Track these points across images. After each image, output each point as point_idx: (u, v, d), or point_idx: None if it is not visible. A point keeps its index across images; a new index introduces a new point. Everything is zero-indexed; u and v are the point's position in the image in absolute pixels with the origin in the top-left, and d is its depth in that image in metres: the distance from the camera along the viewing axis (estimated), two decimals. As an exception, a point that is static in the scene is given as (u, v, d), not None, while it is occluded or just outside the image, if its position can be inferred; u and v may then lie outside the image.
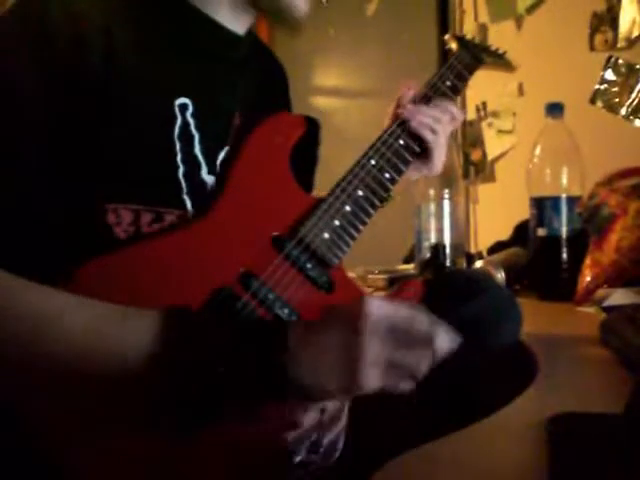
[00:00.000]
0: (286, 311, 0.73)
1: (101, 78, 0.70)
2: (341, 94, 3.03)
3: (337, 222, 0.82)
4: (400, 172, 0.90)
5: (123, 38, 0.72)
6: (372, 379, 0.59)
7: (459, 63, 1.06)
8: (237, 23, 0.84)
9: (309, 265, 0.78)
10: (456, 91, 1.03)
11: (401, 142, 0.92)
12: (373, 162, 0.87)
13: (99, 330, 0.60)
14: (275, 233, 0.78)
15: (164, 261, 0.72)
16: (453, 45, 1.12)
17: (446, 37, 1.17)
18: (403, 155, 0.91)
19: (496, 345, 0.82)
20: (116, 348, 0.60)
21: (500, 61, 1.21)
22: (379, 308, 0.60)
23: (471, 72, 1.08)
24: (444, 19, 2.51)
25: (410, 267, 1.61)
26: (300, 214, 0.81)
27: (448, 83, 1.03)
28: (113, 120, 0.71)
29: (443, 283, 1.00)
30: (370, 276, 1.57)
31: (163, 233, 0.75)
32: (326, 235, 0.80)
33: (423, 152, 0.96)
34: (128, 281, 0.70)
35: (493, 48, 1.20)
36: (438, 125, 0.96)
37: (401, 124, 0.93)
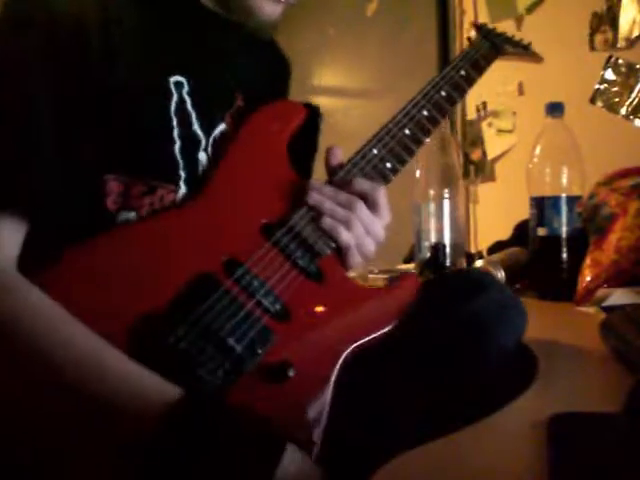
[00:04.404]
0: (270, 298, 0.73)
1: (100, 65, 0.72)
2: (341, 94, 3.03)
3: None
4: (403, 162, 0.89)
5: (121, 29, 0.75)
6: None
7: (477, 52, 1.03)
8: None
9: (298, 253, 0.77)
10: (470, 82, 1.01)
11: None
12: (375, 151, 0.87)
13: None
14: (264, 220, 0.78)
15: (151, 243, 0.73)
16: (473, 34, 1.08)
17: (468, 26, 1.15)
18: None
19: (496, 345, 0.79)
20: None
21: (524, 52, 1.17)
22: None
23: (489, 62, 1.04)
24: (444, 19, 2.50)
25: (410, 267, 1.61)
26: (293, 201, 0.80)
27: (462, 73, 1.00)
28: (113, 99, 0.73)
29: (443, 282, 0.98)
30: (370, 276, 1.57)
31: (153, 215, 0.75)
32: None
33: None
34: (113, 263, 0.70)
35: (516, 39, 1.16)
36: (353, 217, 0.81)
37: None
